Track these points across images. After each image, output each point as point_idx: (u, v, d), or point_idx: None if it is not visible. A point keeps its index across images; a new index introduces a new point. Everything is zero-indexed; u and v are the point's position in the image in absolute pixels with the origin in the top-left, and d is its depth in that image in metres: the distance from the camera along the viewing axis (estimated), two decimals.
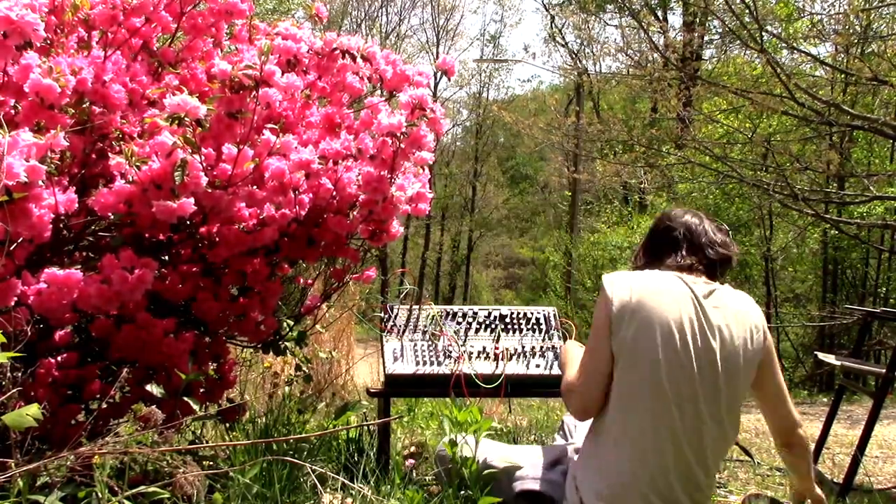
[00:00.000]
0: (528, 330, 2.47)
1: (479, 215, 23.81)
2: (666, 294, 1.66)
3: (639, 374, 1.62)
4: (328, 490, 1.98)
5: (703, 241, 1.79)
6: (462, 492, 1.92)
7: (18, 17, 1.53)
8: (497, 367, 2.35)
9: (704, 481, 1.64)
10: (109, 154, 1.79)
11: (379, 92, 2.19)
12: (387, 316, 2.46)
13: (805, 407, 6.64)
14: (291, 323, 2.39)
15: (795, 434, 1.79)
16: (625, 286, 1.68)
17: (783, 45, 7.68)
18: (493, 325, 2.47)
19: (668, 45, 8.57)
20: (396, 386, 2.37)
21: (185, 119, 1.66)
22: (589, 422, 1.78)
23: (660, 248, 1.82)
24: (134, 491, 1.45)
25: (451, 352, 2.37)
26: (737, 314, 1.69)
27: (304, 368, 3.03)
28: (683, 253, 1.78)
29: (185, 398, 1.78)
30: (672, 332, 1.62)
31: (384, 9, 23.32)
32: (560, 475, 1.82)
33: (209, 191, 1.78)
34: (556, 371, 2.36)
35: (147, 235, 1.91)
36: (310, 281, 2.49)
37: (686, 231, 1.80)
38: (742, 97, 7.26)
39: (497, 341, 2.42)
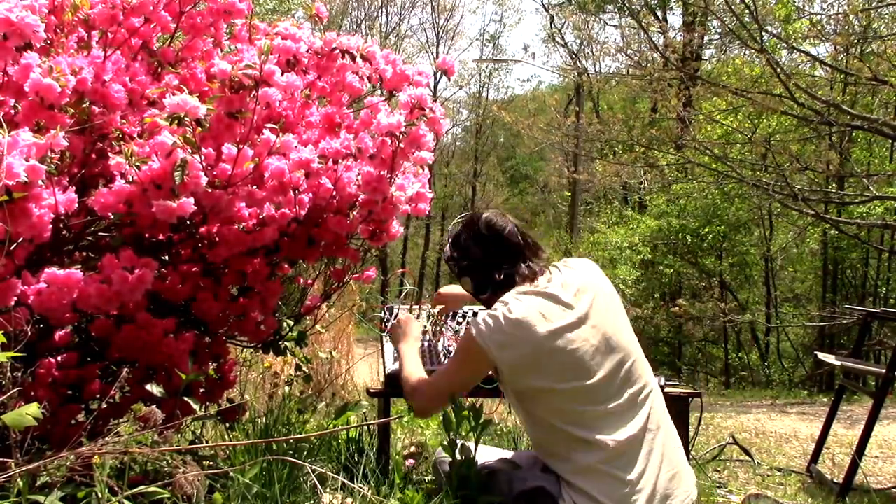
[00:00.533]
0: None
1: None
2: (541, 317, 1.72)
3: (579, 404, 1.72)
4: (328, 490, 1.98)
5: (525, 235, 1.87)
6: (462, 492, 1.92)
7: (18, 18, 1.53)
8: None
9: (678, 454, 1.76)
10: (109, 154, 1.79)
11: (379, 92, 2.19)
12: (387, 316, 2.46)
13: (805, 407, 6.64)
14: (291, 323, 2.39)
15: None
16: (503, 333, 1.73)
17: (783, 45, 7.68)
18: None
19: (667, 45, 8.58)
20: (396, 386, 2.37)
21: (185, 119, 1.66)
22: None
23: (491, 270, 1.85)
24: (134, 491, 1.45)
25: (450, 352, 2.37)
26: (590, 286, 1.80)
27: (304, 368, 3.03)
28: (521, 259, 1.83)
29: (185, 398, 1.78)
30: (583, 359, 1.71)
31: (384, 9, 23.35)
32: (556, 477, 1.82)
33: (209, 190, 1.78)
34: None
35: (147, 235, 1.90)
36: (310, 281, 2.49)
37: (511, 235, 1.85)
38: (742, 97, 7.27)
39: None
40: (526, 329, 1.71)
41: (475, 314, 2.47)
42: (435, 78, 15.74)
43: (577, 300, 1.76)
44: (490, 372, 1.84)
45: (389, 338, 2.21)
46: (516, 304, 1.75)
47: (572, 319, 1.73)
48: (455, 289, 2.15)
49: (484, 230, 1.86)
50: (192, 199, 1.65)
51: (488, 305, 1.88)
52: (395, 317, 2.46)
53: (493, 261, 1.85)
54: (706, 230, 11.83)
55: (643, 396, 1.77)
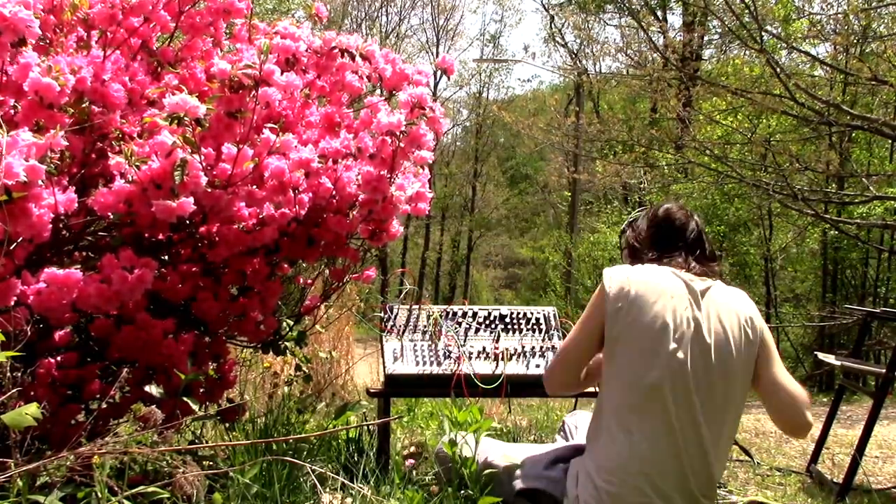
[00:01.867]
0: (528, 330, 2.47)
1: (479, 215, 23.81)
2: (663, 290, 1.68)
3: (633, 370, 1.65)
4: (328, 490, 1.98)
5: (698, 239, 1.84)
6: (462, 491, 1.92)
7: (11, 13, 1.52)
8: (497, 367, 2.35)
9: (704, 478, 1.64)
10: (109, 154, 1.79)
11: (378, 91, 2.19)
12: (387, 316, 2.46)
13: None
14: (291, 323, 2.39)
15: (796, 426, 1.72)
16: (622, 281, 1.71)
17: (783, 45, 7.69)
18: (493, 325, 2.47)
19: (667, 45, 8.58)
20: (396, 386, 2.37)
21: (185, 118, 1.66)
22: (589, 420, 1.79)
23: (657, 243, 1.85)
24: (134, 491, 1.45)
25: (450, 352, 2.37)
26: (731, 311, 1.71)
27: (304, 368, 3.03)
28: (683, 251, 1.81)
29: (185, 398, 1.78)
30: (667, 329, 1.64)
31: (384, 9, 23.35)
32: (560, 472, 1.82)
33: (209, 190, 1.78)
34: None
35: (147, 235, 1.90)
36: (309, 281, 2.48)
37: (682, 228, 1.84)
38: (742, 97, 7.27)
39: (497, 341, 2.42)
40: (644, 293, 1.67)
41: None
42: (435, 78, 15.74)
43: (704, 307, 1.69)
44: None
45: None
46: (650, 269, 1.75)
47: (680, 322, 1.65)
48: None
49: (659, 213, 1.88)
50: (191, 199, 1.65)
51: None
52: (395, 317, 2.46)
53: (652, 241, 1.86)
54: (706, 230, 11.82)
55: (681, 445, 1.62)
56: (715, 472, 1.68)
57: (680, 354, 1.63)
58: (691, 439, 1.62)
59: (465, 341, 2.41)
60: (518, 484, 1.85)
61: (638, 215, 1.97)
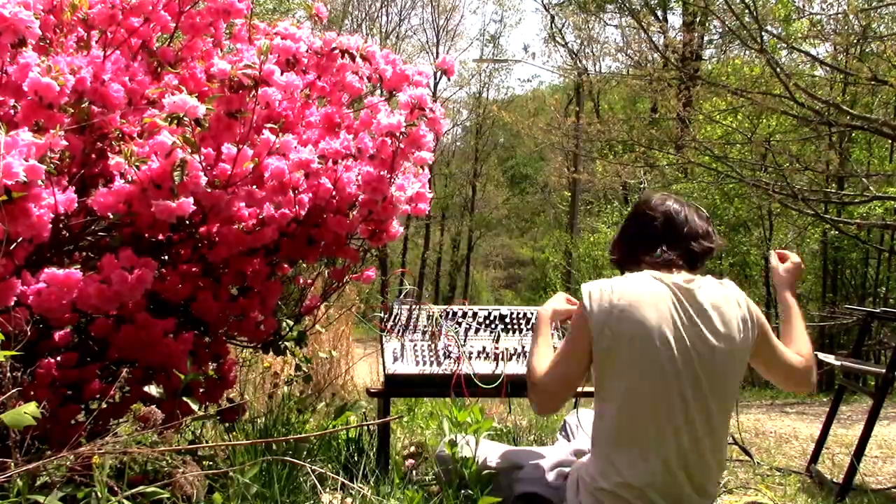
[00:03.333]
0: (528, 330, 2.47)
1: (479, 215, 23.81)
2: (647, 301, 1.63)
3: (627, 383, 1.63)
4: (328, 490, 1.98)
5: (684, 233, 1.74)
6: (462, 492, 1.91)
7: (12, 14, 1.53)
8: (497, 367, 2.35)
9: (705, 480, 1.64)
10: (109, 154, 1.79)
11: (378, 91, 2.19)
12: (387, 316, 2.46)
13: (805, 407, 6.64)
14: (291, 323, 2.39)
15: (810, 364, 1.80)
16: (603, 297, 1.65)
17: (783, 45, 7.69)
18: (493, 325, 2.47)
19: (667, 45, 8.58)
20: (396, 386, 2.37)
21: (185, 119, 1.66)
22: (591, 419, 1.78)
23: (639, 240, 1.78)
24: (133, 491, 1.45)
25: (451, 352, 2.37)
26: (721, 309, 1.66)
27: (304, 368, 3.03)
28: (664, 247, 1.73)
29: (185, 398, 1.78)
30: (655, 340, 1.60)
31: (384, 9, 23.36)
32: (560, 478, 1.82)
33: (209, 190, 1.78)
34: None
35: (147, 235, 1.90)
36: (309, 281, 2.48)
37: (667, 221, 1.75)
38: (742, 97, 7.27)
39: (497, 341, 2.42)
40: (627, 306, 1.62)
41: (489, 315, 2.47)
42: (435, 78, 15.72)
43: (695, 308, 1.65)
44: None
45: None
46: (631, 278, 1.69)
47: (682, 322, 1.63)
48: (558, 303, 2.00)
49: (640, 205, 1.82)
50: (191, 199, 1.65)
51: (618, 268, 1.85)
52: (395, 318, 2.45)
53: (634, 235, 1.80)
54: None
55: (686, 447, 1.62)
56: (714, 473, 1.68)
57: (671, 365, 1.60)
58: (690, 444, 1.61)
59: (465, 341, 2.41)
60: (517, 488, 1.85)
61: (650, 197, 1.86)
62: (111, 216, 1.77)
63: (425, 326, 2.43)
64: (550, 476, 1.83)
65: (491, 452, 1.97)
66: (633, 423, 1.62)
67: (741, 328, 1.67)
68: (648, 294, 1.64)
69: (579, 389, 1.79)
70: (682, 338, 1.61)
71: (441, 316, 2.44)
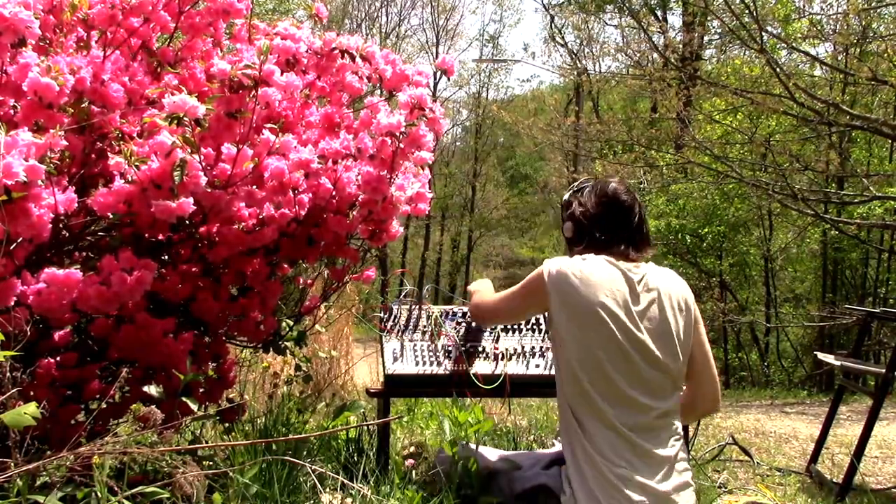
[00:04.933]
0: (527, 330, 2.47)
1: (479, 215, 23.80)
2: (603, 283, 1.76)
3: (586, 369, 1.74)
4: (328, 490, 1.98)
5: (637, 222, 1.90)
6: (462, 491, 1.91)
7: (12, 14, 1.52)
8: (497, 367, 2.35)
9: (669, 457, 1.73)
10: (109, 154, 1.79)
11: (378, 91, 2.19)
12: (387, 316, 2.46)
13: (805, 407, 6.64)
14: (291, 323, 2.39)
15: (718, 400, 1.95)
16: (563, 275, 1.79)
17: (783, 45, 7.69)
18: (492, 325, 2.47)
19: (667, 45, 8.58)
20: (396, 386, 2.37)
21: (185, 119, 1.66)
22: None
23: (603, 224, 1.90)
24: (133, 491, 1.45)
25: (450, 351, 2.37)
26: (667, 295, 1.81)
27: (304, 368, 3.03)
28: (626, 236, 1.88)
29: (185, 398, 1.78)
30: (611, 321, 1.73)
31: (384, 9, 23.34)
32: (557, 472, 1.82)
33: (209, 190, 1.78)
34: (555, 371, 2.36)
35: (147, 235, 1.90)
36: (309, 281, 2.48)
37: (629, 211, 1.90)
38: (742, 97, 7.27)
39: (497, 341, 2.42)
40: (589, 291, 1.75)
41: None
42: (435, 78, 15.74)
43: (645, 297, 1.79)
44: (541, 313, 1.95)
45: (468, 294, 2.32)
46: (596, 264, 1.80)
47: (630, 310, 1.76)
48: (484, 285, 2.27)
49: (609, 193, 1.92)
50: (191, 199, 1.65)
51: (571, 247, 1.98)
52: (395, 318, 2.46)
53: (600, 221, 1.90)
54: (706, 230, 11.83)
55: (657, 415, 1.76)
56: (674, 446, 1.76)
57: (626, 344, 1.72)
58: (646, 424, 1.73)
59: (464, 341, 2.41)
60: (517, 487, 1.85)
61: (584, 186, 2.00)
62: (111, 216, 1.77)
63: (425, 326, 2.43)
64: (549, 472, 1.84)
65: (490, 455, 1.98)
66: (591, 416, 1.73)
67: (685, 318, 1.82)
68: (604, 277, 1.77)
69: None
70: (630, 325, 1.74)
71: (441, 316, 2.44)
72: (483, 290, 2.23)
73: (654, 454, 1.71)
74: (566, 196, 2.04)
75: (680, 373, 1.82)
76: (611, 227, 1.89)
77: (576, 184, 2.06)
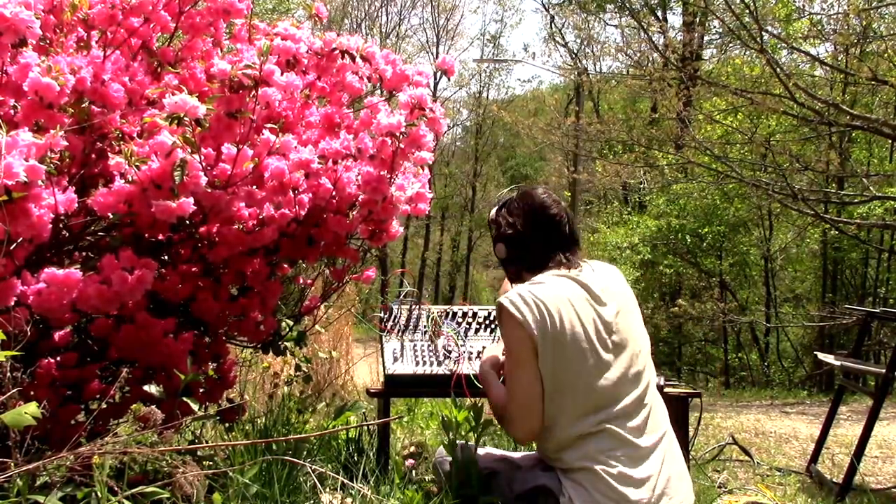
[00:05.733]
0: None
1: (479, 215, 23.80)
2: (569, 304, 1.73)
3: (572, 393, 1.71)
4: (328, 490, 1.98)
5: (568, 228, 1.87)
6: (462, 492, 1.91)
7: (12, 14, 1.52)
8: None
9: (652, 446, 1.74)
10: (109, 154, 1.79)
11: (378, 92, 2.19)
12: (387, 316, 2.46)
13: (805, 407, 6.64)
14: (291, 323, 2.39)
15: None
16: (534, 308, 1.72)
17: (783, 45, 7.69)
18: (493, 325, 2.47)
19: (668, 45, 8.58)
20: (396, 386, 2.37)
21: (185, 119, 1.66)
22: None
23: (537, 238, 1.86)
24: (133, 491, 1.45)
25: (450, 352, 2.37)
26: (616, 291, 1.82)
27: (304, 368, 3.03)
28: (561, 248, 1.84)
29: (185, 398, 1.78)
30: (585, 335, 1.72)
31: (384, 9, 23.36)
32: (556, 474, 1.82)
33: (209, 190, 1.78)
34: None
35: (147, 235, 1.90)
36: (309, 281, 2.49)
37: (559, 222, 1.86)
38: (742, 97, 7.27)
39: (497, 341, 2.42)
40: (552, 311, 1.71)
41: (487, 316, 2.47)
42: (435, 78, 15.74)
43: (606, 298, 1.79)
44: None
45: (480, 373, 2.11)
46: (550, 285, 1.76)
47: (598, 314, 1.76)
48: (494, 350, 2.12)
49: (537, 207, 1.88)
50: (191, 199, 1.65)
51: (513, 279, 1.92)
52: (395, 318, 2.45)
53: (535, 238, 1.86)
54: (706, 230, 11.84)
55: (646, 399, 1.78)
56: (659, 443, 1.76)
57: (604, 354, 1.72)
58: (654, 425, 1.75)
59: (465, 341, 2.41)
60: (516, 487, 1.85)
61: (507, 201, 1.94)
62: (111, 216, 1.77)
63: (425, 326, 2.43)
64: (549, 472, 1.84)
65: (490, 455, 1.98)
66: (580, 434, 1.71)
67: (634, 310, 1.84)
68: (568, 298, 1.75)
69: None
70: (601, 341, 1.73)
71: (441, 316, 2.44)
72: (492, 387, 1.96)
73: (643, 447, 1.72)
74: (492, 214, 1.98)
75: (649, 353, 1.84)
76: (545, 241, 1.86)
77: (498, 200, 1.99)
